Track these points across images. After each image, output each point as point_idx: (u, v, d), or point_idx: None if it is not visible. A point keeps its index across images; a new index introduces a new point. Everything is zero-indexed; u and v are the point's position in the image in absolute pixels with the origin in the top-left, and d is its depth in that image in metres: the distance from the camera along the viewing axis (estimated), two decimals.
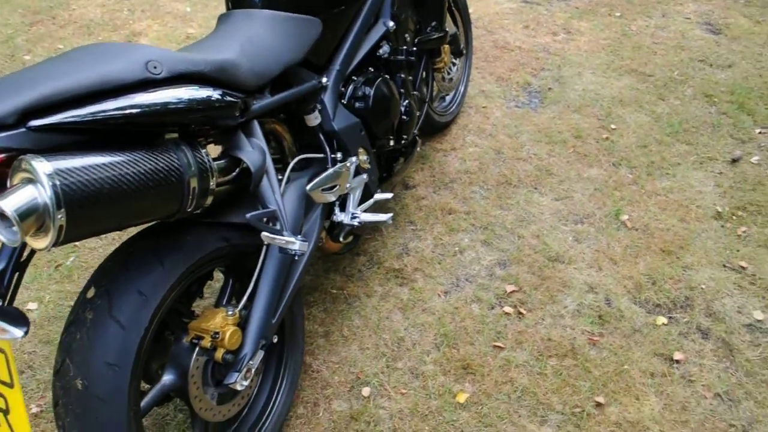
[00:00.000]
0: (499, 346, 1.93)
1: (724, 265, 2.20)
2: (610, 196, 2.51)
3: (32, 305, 2.08)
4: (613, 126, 2.91)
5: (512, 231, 2.36)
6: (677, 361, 1.88)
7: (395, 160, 2.11)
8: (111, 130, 1.05)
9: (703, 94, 3.12)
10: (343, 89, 1.76)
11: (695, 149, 2.76)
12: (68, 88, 0.99)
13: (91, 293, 1.21)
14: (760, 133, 2.84)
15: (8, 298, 1.08)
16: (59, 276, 2.20)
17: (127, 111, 1.04)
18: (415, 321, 2.02)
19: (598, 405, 1.76)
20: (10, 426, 1.05)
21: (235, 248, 1.38)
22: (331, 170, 1.62)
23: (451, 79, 2.81)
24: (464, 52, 2.85)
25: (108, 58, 1.08)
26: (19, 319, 1.01)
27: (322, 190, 1.60)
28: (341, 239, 1.76)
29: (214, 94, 1.20)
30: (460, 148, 2.78)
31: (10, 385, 0.97)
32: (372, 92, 1.76)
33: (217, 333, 1.31)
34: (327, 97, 1.68)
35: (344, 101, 1.76)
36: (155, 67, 1.11)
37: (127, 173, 1.03)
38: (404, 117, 1.99)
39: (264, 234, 1.27)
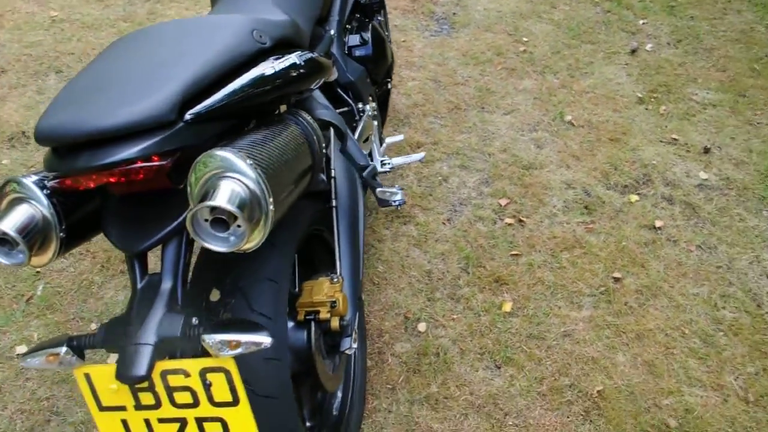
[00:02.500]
0: (516, 254, 2.08)
1: (661, 141, 2.53)
2: (549, 101, 2.73)
3: (21, 348, 1.83)
4: (525, 39, 3.11)
5: (481, 150, 2.48)
6: (659, 228, 2.17)
7: (383, 103, 2.10)
8: (246, 110, 0.96)
9: None
10: (344, 39, 1.71)
11: (599, 47, 3.06)
12: (206, 72, 0.89)
13: (215, 296, 1.11)
14: (643, 24, 3.21)
15: None
16: (36, 309, 1.93)
17: (260, 87, 0.96)
18: (434, 252, 2.09)
19: (617, 280, 1.99)
20: None
21: (326, 211, 1.34)
22: (363, 121, 1.59)
23: None
24: None
25: (212, 33, 0.97)
26: (255, 327, 0.91)
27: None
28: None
29: (311, 56, 1.13)
30: (399, 85, 2.81)
31: (233, 404, 0.89)
32: (369, 37, 1.73)
33: (335, 302, 1.28)
34: (336, 49, 1.62)
35: (346, 51, 1.71)
36: (261, 36, 1.02)
37: (289, 154, 0.96)
38: (390, 59, 1.99)
39: (379, 189, 1.25)
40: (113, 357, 1.71)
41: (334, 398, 1.58)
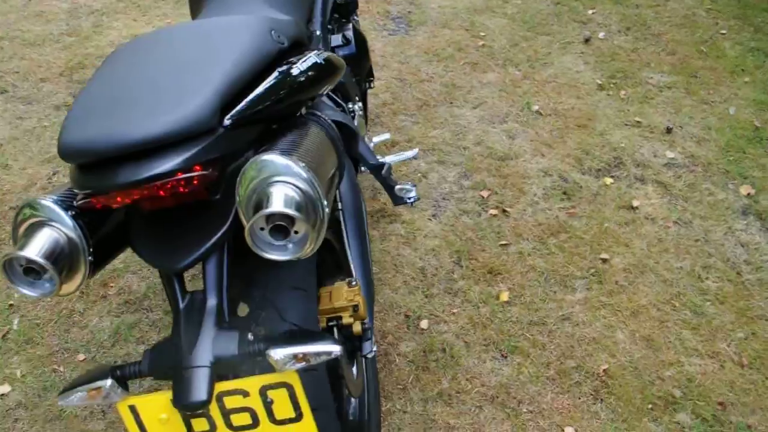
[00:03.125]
0: (505, 244, 2.10)
1: (625, 124, 2.61)
2: (514, 93, 2.77)
3: (4, 388, 1.70)
4: (482, 33, 3.16)
5: (456, 145, 2.50)
6: (636, 208, 2.24)
7: (364, 102, 2.08)
8: (277, 113, 0.92)
9: None
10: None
11: (554, 38, 3.14)
12: (239, 74, 0.84)
13: (243, 311, 1.06)
14: (592, 13, 3.32)
15: None
16: (15, 344, 1.80)
17: (291, 88, 0.92)
18: (425, 249, 2.09)
19: (604, 261, 2.04)
20: None
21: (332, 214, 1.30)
22: (356, 120, 1.57)
23: None
24: None
25: (233, 34, 0.92)
26: (320, 336, 0.86)
27: None
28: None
29: (328, 55, 1.09)
30: None
31: (296, 419, 0.84)
32: (351, 36, 1.71)
33: (356, 305, 1.25)
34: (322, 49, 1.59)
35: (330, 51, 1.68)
36: (279, 36, 0.98)
37: (325, 156, 0.92)
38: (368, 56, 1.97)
39: (397, 187, 1.23)
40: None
41: (350, 404, 1.54)
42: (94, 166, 0.78)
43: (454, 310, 1.90)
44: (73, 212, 0.82)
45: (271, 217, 0.75)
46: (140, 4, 3.43)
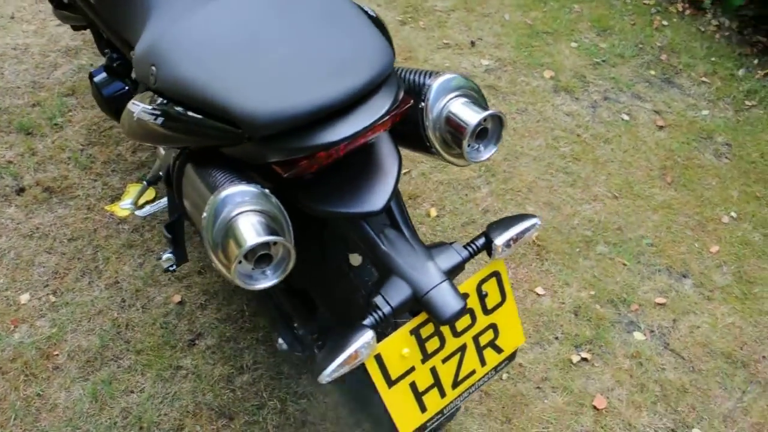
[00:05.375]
0: (408, 170, 2.31)
1: (439, 48, 2.96)
2: None
3: None
4: None
5: None
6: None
7: None
8: None
9: None
10: None
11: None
12: (368, 21, 0.92)
13: (356, 261, 1.10)
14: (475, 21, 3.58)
15: None
16: None
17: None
18: None
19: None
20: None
21: None
22: None
23: None
24: None
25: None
26: (525, 216, 0.95)
27: None
28: None
29: None
30: None
31: (501, 303, 0.93)
32: None
33: None
34: None
35: None
36: None
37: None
38: None
39: None
40: None
41: None
42: (299, 129, 0.79)
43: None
44: (269, 189, 0.82)
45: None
46: None
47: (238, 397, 1.55)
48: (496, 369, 0.99)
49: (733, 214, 2.24)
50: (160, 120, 0.92)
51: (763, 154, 2.50)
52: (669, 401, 1.69)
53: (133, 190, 1.87)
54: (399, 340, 0.88)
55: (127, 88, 1.47)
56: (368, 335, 0.82)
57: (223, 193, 0.78)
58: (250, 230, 0.76)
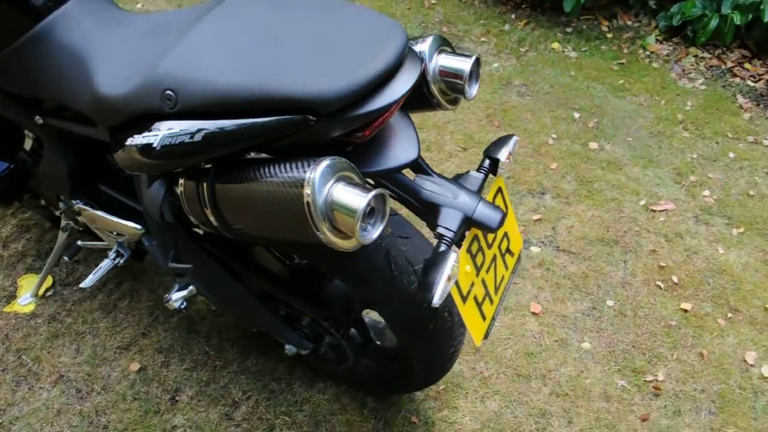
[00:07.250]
0: None
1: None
2: None
3: None
4: None
5: None
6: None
7: None
8: None
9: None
10: None
11: None
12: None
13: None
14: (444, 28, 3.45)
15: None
16: None
17: None
18: None
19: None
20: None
21: None
22: None
23: None
24: None
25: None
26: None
27: None
28: None
29: None
30: None
31: (506, 213, 1.07)
32: None
33: None
34: None
35: None
36: None
37: None
38: None
39: None
40: None
41: None
42: (358, 101, 0.86)
43: None
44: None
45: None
46: None
47: (245, 429, 1.49)
48: (513, 271, 1.18)
49: (553, 135, 2.71)
50: (198, 137, 0.89)
51: (552, 85, 3.04)
52: (580, 288, 2.03)
53: (26, 283, 1.63)
54: (463, 260, 1.01)
55: (12, 165, 1.31)
56: (454, 256, 0.94)
57: (318, 169, 0.83)
58: (357, 192, 0.83)
